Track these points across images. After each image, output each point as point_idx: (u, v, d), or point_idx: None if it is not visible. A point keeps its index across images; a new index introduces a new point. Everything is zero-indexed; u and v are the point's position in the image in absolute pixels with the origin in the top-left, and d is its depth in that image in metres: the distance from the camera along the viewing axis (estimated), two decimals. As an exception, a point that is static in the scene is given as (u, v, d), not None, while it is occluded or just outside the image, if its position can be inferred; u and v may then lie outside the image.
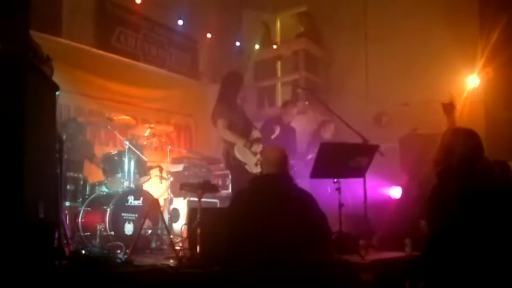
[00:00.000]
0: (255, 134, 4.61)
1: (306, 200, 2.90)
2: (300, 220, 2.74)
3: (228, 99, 4.49)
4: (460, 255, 2.34)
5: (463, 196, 2.43)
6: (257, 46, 8.09)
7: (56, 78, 2.94)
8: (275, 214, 2.71)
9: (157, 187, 5.22)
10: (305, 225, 2.75)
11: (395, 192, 5.32)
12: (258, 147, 4.46)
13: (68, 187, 4.31)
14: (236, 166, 4.44)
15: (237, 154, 4.36)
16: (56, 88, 2.76)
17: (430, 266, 2.45)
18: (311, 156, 5.50)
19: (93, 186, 4.65)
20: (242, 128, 4.46)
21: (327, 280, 2.70)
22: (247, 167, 4.40)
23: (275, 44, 8.30)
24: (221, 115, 4.39)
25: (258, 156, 4.41)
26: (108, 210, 4.16)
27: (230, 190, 5.69)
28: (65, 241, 3.35)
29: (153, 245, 4.36)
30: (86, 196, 4.51)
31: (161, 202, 4.92)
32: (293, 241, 2.65)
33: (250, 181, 3.07)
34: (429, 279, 2.48)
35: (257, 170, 4.44)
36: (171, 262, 3.46)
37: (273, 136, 5.35)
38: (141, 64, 6.60)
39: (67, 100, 5.30)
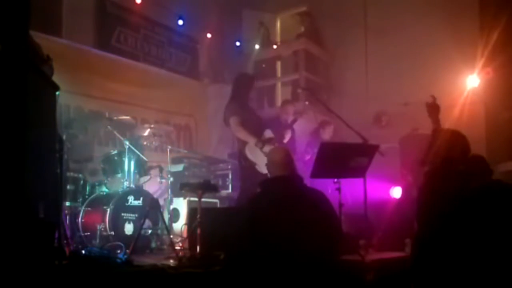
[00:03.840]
0: (268, 134, 4.59)
1: (320, 200, 2.87)
2: (316, 219, 2.71)
3: (240, 98, 4.51)
4: (448, 255, 2.34)
5: (450, 196, 2.43)
6: (257, 46, 8.09)
7: (56, 78, 2.94)
8: (291, 216, 2.67)
9: (157, 187, 5.22)
10: (322, 225, 2.73)
11: (395, 192, 5.32)
12: (269, 148, 4.43)
13: (68, 187, 4.31)
14: (247, 167, 4.40)
15: (248, 153, 4.33)
16: (56, 88, 2.76)
17: (418, 267, 2.45)
18: (309, 156, 5.50)
19: (93, 186, 4.65)
20: (254, 127, 4.45)
21: (338, 279, 2.69)
22: (257, 167, 4.37)
23: (275, 44, 8.30)
24: (233, 113, 4.40)
25: None
26: (108, 210, 4.16)
27: (230, 190, 5.71)
28: (65, 241, 3.35)
29: (153, 245, 4.36)
30: (86, 196, 4.51)
31: (161, 202, 4.92)
32: (310, 241, 2.62)
33: (259, 185, 3.03)
34: (418, 280, 2.48)
35: (267, 170, 4.42)
36: (171, 262, 3.45)
37: (285, 141, 5.30)
38: (141, 64, 6.60)
39: (67, 100, 5.30)
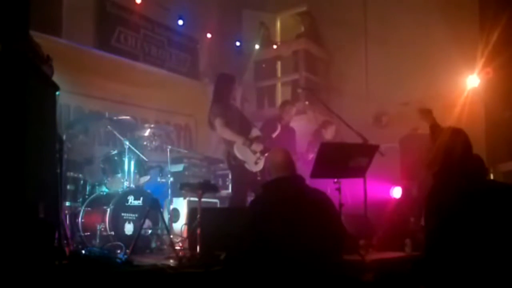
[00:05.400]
0: (255, 132, 4.62)
1: (322, 200, 2.87)
2: (319, 220, 2.71)
3: (222, 99, 4.52)
4: (459, 256, 2.34)
5: (461, 196, 2.43)
6: (257, 46, 8.10)
7: (56, 78, 2.94)
8: (296, 216, 2.66)
9: (157, 187, 5.22)
10: (325, 225, 2.73)
11: (395, 192, 5.33)
12: (258, 146, 4.47)
13: (68, 187, 4.30)
14: (236, 166, 4.45)
15: (237, 153, 4.37)
16: (56, 88, 2.76)
17: (430, 268, 2.45)
18: (312, 155, 5.50)
19: (93, 186, 4.65)
20: (240, 127, 4.49)
21: (338, 279, 2.69)
22: (246, 165, 4.42)
23: (275, 44, 8.30)
24: (217, 114, 4.42)
25: (258, 154, 4.43)
26: (108, 210, 4.16)
27: (230, 190, 5.70)
28: (65, 241, 3.34)
29: (153, 245, 4.35)
30: (86, 196, 4.50)
31: (161, 202, 4.91)
32: (313, 241, 2.62)
33: (262, 187, 3.03)
34: (429, 281, 2.48)
35: (257, 168, 4.45)
36: (171, 262, 3.45)
37: (274, 134, 5.33)
38: (141, 64, 6.60)
39: (67, 100, 5.30)
